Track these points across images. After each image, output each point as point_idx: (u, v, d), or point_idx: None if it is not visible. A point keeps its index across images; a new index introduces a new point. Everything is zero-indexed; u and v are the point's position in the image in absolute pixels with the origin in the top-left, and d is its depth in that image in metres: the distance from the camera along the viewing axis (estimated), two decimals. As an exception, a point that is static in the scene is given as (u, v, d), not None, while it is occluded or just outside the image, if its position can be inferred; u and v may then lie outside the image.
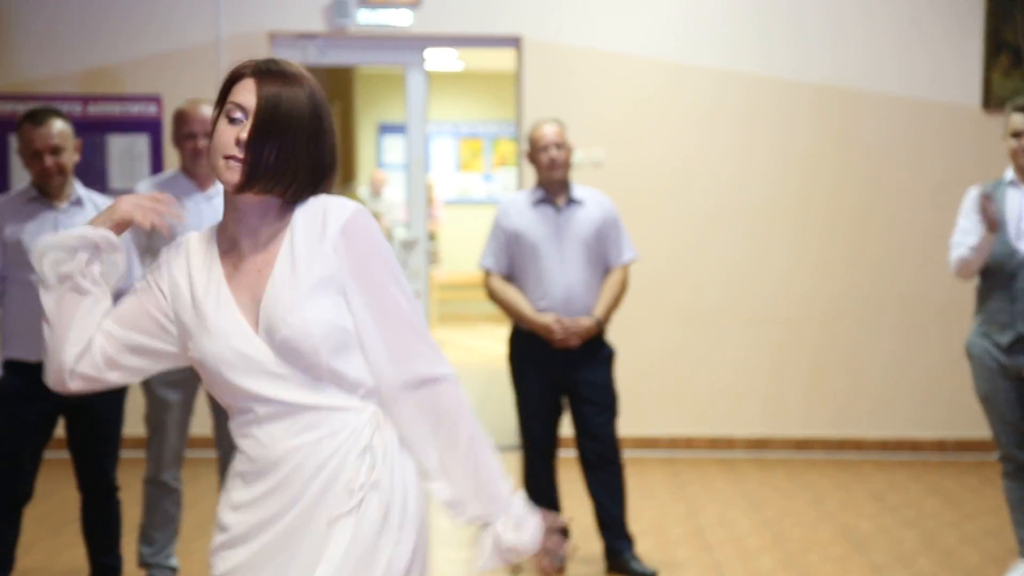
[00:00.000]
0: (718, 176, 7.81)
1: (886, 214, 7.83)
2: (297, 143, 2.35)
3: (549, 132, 5.54)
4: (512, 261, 5.55)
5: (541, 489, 5.60)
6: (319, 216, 2.39)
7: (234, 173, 2.34)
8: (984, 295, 5.19)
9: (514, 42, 7.91)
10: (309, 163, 2.37)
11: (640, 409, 7.56)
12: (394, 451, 2.40)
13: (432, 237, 12.80)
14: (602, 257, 5.54)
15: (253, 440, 2.39)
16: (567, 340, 5.41)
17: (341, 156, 10.18)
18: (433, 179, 13.89)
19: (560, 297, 5.45)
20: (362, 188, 12.34)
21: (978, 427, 7.84)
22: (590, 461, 5.61)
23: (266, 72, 2.37)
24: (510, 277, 5.57)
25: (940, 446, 7.85)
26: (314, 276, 2.36)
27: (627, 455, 5.83)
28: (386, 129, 14.07)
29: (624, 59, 7.79)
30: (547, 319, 5.42)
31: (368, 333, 2.40)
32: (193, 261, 2.43)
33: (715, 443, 7.90)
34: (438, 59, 13.05)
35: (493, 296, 5.62)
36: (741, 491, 6.97)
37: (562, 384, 5.54)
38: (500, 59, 8.80)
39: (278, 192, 2.37)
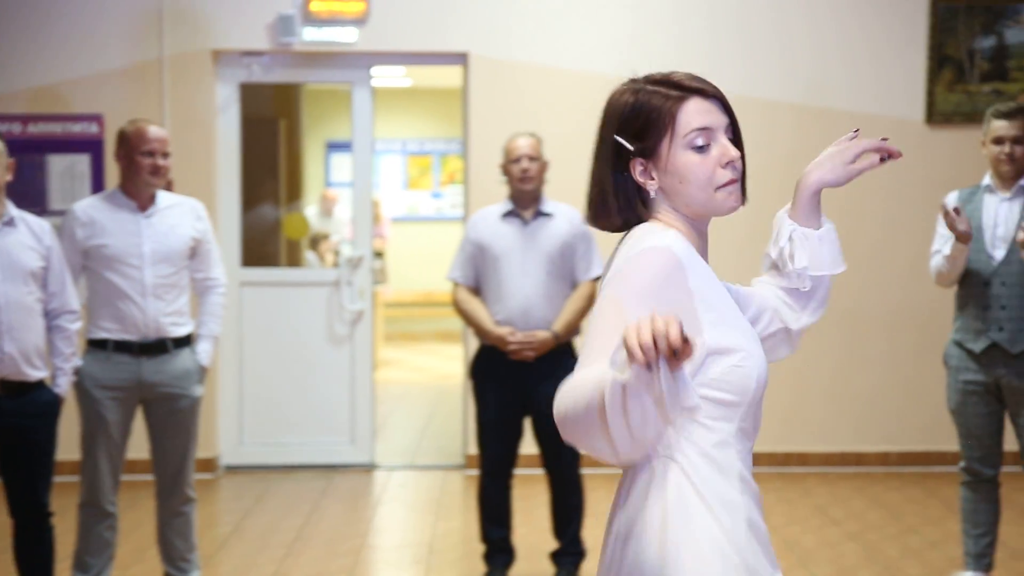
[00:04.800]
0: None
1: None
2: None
3: (523, 144, 5.53)
4: (477, 273, 5.55)
5: (494, 508, 5.59)
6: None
7: (734, 198, 2.28)
8: (961, 302, 5.21)
9: (461, 59, 7.90)
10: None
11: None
12: None
13: (379, 255, 12.76)
14: (568, 272, 5.52)
15: (747, 467, 2.27)
16: (521, 352, 5.40)
17: (288, 175, 10.16)
18: (380, 197, 13.85)
19: (517, 309, 5.43)
20: (310, 208, 12.28)
21: (922, 440, 7.91)
22: (550, 477, 5.63)
23: (701, 86, 2.29)
24: (477, 289, 5.57)
25: (884, 459, 7.89)
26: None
27: (592, 472, 5.81)
28: (334, 147, 14.03)
29: (573, 75, 7.79)
30: (502, 331, 5.41)
31: None
32: (695, 271, 2.23)
33: (662, 459, 7.89)
34: (386, 75, 13.02)
35: (457, 308, 5.62)
36: (687, 507, 6.96)
37: (523, 401, 5.52)
38: (449, 75, 8.80)
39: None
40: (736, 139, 2.29)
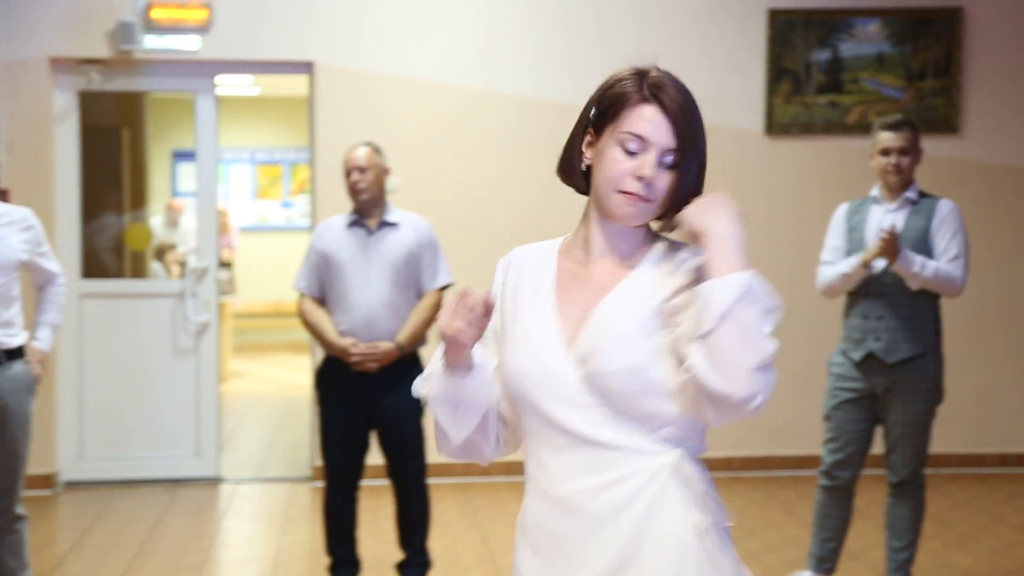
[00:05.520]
0: (522, 203, 7.84)
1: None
2: (694, 177, 2.25)
3: (356, 155, 5.51)
4: (323, 283, 5.51)
5: (339, 521, 5.54)
6: (671, 257, 2.27)
7: (632, 210, 2.23)
8: (846, 312, 5.33)
9: (307, 68, 7.84)
10: (696, 191, 2.26)
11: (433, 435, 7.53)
12: (709, 500, 2.24)
13: (227, 265, 12.58)
14: (413, 281, 5.50)
15: (543, 470, 2.26)
16: (364, 364, 5.37)
17: (132, 184, 9.98)
18: (228, 206, 13.67)
19: (361, 319, 5.40)
20: (156, 218, 12.05)
21: (764, 445, 8.06)
22: (396, 487, 5.60)
23: (667, 101, 2.23)
24: (323, 300, 5.53)
25: (727, 464, 8.02)
26: (648, 315, 2.21)
27: (438, 482, 5.78)
28: (180, 156, 13.80)
29: (422, 85, 7.79)
30: (345, 342, 5.37)
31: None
32: (525, 274, 2.38)
33: (510, 468, 7.92)
34: (233, 84, 12.87)
35: (302, 318, 5.57)
36: (535, 515, 7.00)
37: (368, 412, 5.49)
38: (298, 84, 8.71)
39: (661, 221, 2.29)
40: (681, 167, 2.23)
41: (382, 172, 5.57)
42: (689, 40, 7.91)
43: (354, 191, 5.49)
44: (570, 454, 2.23)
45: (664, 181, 2.22)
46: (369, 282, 5.43)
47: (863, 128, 7.84)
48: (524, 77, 7.86)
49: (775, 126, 7.92)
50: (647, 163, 2.21)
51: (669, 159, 2.22)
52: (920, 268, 5.01)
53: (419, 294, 5.54)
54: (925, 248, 5.13)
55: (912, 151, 5.20)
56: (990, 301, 8.06)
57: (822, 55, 7.89)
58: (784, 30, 7.87)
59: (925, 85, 7.93)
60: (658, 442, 2.21)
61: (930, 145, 7.98)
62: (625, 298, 2.24)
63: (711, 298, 2.10)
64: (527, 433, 2.31)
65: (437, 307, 5.53)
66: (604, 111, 2.28)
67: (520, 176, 7.85)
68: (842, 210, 5.37)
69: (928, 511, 6.73)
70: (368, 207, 5.51)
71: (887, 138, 5.18)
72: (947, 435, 7.93)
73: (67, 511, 7.18)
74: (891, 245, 4.94)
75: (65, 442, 7.70)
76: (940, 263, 5.09)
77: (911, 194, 5.22)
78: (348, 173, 5.52)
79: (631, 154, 2.22)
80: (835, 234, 5.32)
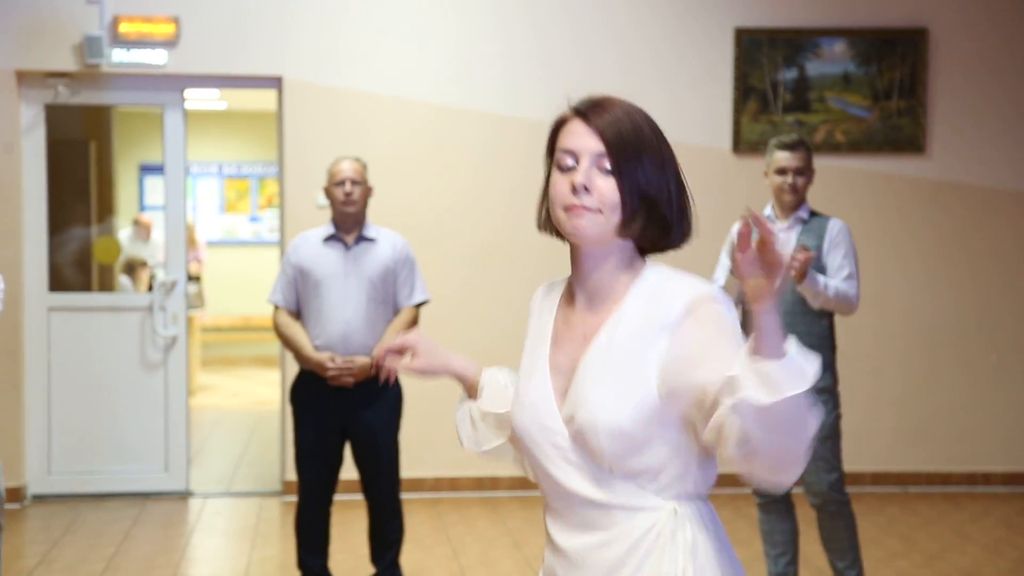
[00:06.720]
0: (492, 220, 7.86)
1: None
2: (644, 178, 2.18)
3: (347, 167, 5.52)
4: (299, 297, 5.52)
5: (312, 535, 5.54)
6: (659, 290, 2.17)
7: (580, 222, 2.16)
8: (743, 328, 5.32)
9: (275, 82, 7.85)
10: (657, 196, 2.19)
11: (405, 450, 7.54)
12: (701, 552, 2.14)
13: (196, 279, 12.56)
14: (390, 297, 5.52)
15: (551, 521, 2.26)
16: (340, 378, 5.38)
17: (100, 197, 9.95)
18: (195, 220, 13.64)
19: (338, 334, 5.41)
20: (124, 231, 12.02)
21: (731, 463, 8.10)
22: (369, 503, 5.61)
23: (589, 111, 2.21)
24: (298, 313, 5.54)
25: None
26: (630, 362, 2.13)
27: (411, 497, 5.79)
28: (148, 170, 13.77)
29: (391, 101, 7.81)
30: (321, 356, 5.38)
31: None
32: (536, 316, 2.35)
33: (480, 484, 7.94)
34: (200, 98, 12.86)
35: (278, 332, 5.57)
36: (504, 530, 7.03)
37: (342, 427, 5.50)
38: (266, 98, 8.72)
39: (621, 233, 2.18)
40: (621, 170, 2.17)
41: (369, 188, 5.60)
42: (661, 59, 7.97)
43: (345, 203, 5.50)
44: (569, 510, 2.21)
45: (607, 187, 2.16)
46: (346, 297, 5.44)
47: (830, 147, 7.93)
48: (497, 93, 7.89)
49: (742, 144, 7.98)
50: (579, 171, 2.17)
51: (606, 164, 2.17)
52: (824, 287, 5.05)
53: (395, 310, 5.56)
54: (819, 266, 5.17)
55: (807, 171, 5.26)
56: (950, 320, 8.14)
57: (789, 74, 7.97)
58: (750, 49, 7.94)
59: (891, 105, 8.02)
60: (652, 494, 2.16)
61: (896, 165, 8.10)
62: (607, 348, 2.17)
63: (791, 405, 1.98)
64: (537, 481, 2.28)
65: (414, 324, 5.56)
66: (549, 146, 2.26)
67: (490, 192, 7.88)
68: (737, 228, 5.38)
69: (896, 529, 6.80)
70: (351, 221, 5.53)
71: (783, 158, 5.24)
72: (913, 453, 8.01)
73: (35, 525, 7.15)
74: (805, 265, 4.92)
75: (33, 455, 7.67)
76: (837, 282, 5.13)
77: (802, 213, 5.28)
78: (339, 183, 5.52)
79: (567, 170, 2.19)
80: (728, 252, 5.36)
